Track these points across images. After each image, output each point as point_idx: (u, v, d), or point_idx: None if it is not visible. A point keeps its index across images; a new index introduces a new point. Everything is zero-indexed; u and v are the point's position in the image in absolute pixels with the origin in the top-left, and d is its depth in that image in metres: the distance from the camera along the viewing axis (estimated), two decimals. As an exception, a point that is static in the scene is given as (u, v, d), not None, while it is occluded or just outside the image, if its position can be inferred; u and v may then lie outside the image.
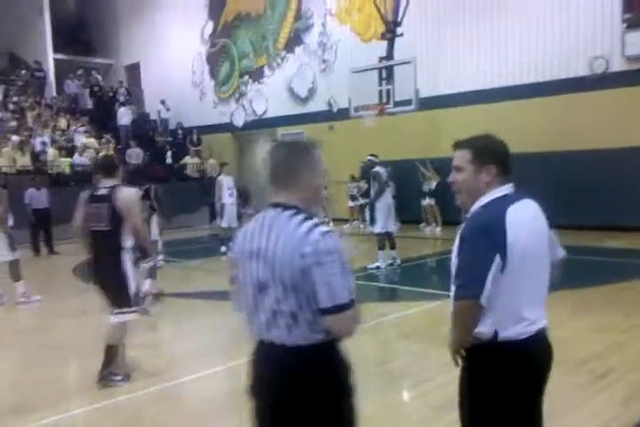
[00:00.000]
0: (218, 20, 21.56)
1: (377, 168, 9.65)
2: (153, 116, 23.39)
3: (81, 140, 18.97)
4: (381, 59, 13.11)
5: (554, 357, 2.32)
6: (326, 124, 17.89)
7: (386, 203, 9.52)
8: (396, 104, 12.49)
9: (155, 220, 8.43)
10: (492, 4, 14.44)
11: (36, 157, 17.21)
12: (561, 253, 2.43)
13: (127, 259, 4.70)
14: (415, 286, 8.08)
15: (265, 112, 20.35)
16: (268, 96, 20.13)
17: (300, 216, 2.04)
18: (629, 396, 4.12)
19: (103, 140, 19.49)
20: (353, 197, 16.10)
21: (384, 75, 12.68)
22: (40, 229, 13.20)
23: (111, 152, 18.44)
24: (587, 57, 12.94)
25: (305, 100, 19.04)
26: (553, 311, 2.35)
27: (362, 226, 15.63)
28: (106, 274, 4.69)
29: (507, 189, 2.27)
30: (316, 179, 2.18)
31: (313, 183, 2.17)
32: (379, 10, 13.13)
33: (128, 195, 4.75)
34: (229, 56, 21.41)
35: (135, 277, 4.75)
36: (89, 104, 23.29)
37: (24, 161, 16.53)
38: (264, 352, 2.13)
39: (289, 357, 2.04)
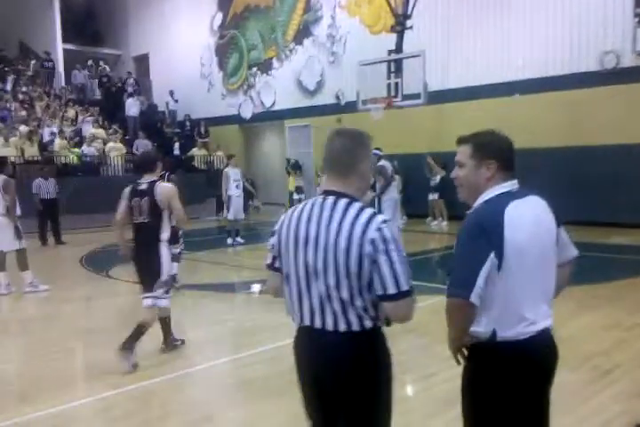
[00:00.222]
0: (227, 11, 21.51)
1: (382, 162, 9.59)
2: (161, 108, 23.40)
3: (89, 130, 19.00)
4: (390, 52, 13.07)
5: (559, 354, 2.28)
6: (334, 116, 17.85)
7: (392, 197, 9.49)
8: (405, 98, 12.45)
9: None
10: (502, -3, 14.33)
11: (44, 147, 17.26)
12: (573, 251, 2.35)
13: (164, 250, 5.09)
14: (420, 281, 8.06)
15: (273, 104, 20.33)
16: (277, 88, 20.10)
17: (357, 205, 2.09)
18: (634, 392, 4.12)
19: (111, 130, 19.51)
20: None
21: (393, 68, 12.64)
22: (47, 219, 13.25)
23: (150, 147, 18.48)
24: (597, 52, 12.85)
25: (313, 93, 19.00)
26: (558, 308, 2.32)
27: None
28: (145, 262, 5.10)
29: (510, 185, 2.22)
30: (369, 170, 2.22)
31: (366, 174, 2.21)
32: (388, 2, 13.05)
33: (167, 189, 5.12)
34: (238, 48, 21.36)
35: (169, 267, 5.19)
36: (97, 95, 23.35)
37: (33, 151, 16.58)
38: (313, 338, 2.17)
39: (340, 342, 2.10)
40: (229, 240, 12.25)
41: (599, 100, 12.55)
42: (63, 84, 22.89)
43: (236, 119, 21.47)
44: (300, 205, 2.22)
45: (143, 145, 19.14)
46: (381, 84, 12.72)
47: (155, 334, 6.06)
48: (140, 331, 5.02)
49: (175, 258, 7.20)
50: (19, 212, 8.12)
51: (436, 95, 13.56)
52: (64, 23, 23.86)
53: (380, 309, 2.10)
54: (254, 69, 20.92)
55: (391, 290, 2.02)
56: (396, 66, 12.59)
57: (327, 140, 2.22)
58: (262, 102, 20.69)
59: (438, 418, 3.79)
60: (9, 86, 20.65)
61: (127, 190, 5.21)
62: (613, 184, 12.14)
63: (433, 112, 14.59)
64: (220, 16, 21.82)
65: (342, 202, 2.10)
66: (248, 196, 15.83)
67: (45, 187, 13.07)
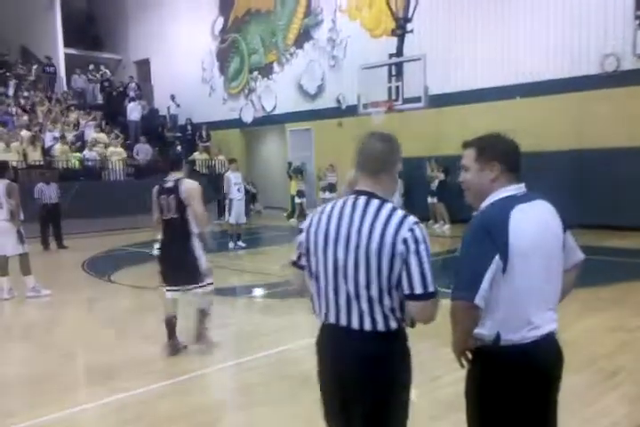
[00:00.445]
0: (228, 15, 21.56)
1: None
2: (162, 112, 23.44)
3: (91, 134, 19.04)
4: (391, 55, 13.09)
5: (564, 358, 2.27)
6: (335, 120, 17.87)
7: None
8: (406, 101, 12.46)
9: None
10: (502, 1, 14.36)
11: (46, 151, 17.28)
12: (579, 255, 2.35)
13: (197, 243, 5.41)
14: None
15: (274, 108, 20.36)
16: (277, 92, 20.12)
17: (389, 205, 2.15)
18: (639, 395, 4.11)
19: (112, 135, 19.55)
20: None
21: (394, 71, 12.66)
22: (49, 224, 13.26)
23: (150, 152, 18.58)
24: (598, 55, 12.86)
25: (314, 97, 19.03)
26: (562, 310, 2.32)
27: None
28: (179, 257, 5.35)
29: (515, 189, 2.22)
30: (397, 172, 2.29)
31: (397, 177, 2.29)
32: (389, 6, 13.09)
33: (190, 187, 5.35)
34: (239, 52, 21.41)
35: (204, 258, 5.47)
36: (99, 99, 23.40)
37: (36, 156, 16.60)
38: (338, 336, 2.21)
39: (364, 341, 2.14)
40: (231, 244, 12.25)
41: (600, 103, 12.55)
42: (65, 88, 22.93)
43: (237, 123, 21.50)
44: (331, 204, 2.27)
45: (144, 150, 19.18)
46: (382, 88, 12.73)
47: (156, 339, 6.06)
48: (203, 317, 5.55)
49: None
50: (22, 216, 8.13)
51: (437, 99, 13.57)
52: (65, 28, 23.91)
53: (405, 309, 2.14)
54: (255, 73, 20.96)
55: (418, 290, 2.06)
56: (396, 69, 12.62)
57: (362, 142, 2.27)
58: (263, 106, 20.72)
59: (443, 421, 3.78)
60: (11, 91, 20.70)
61: (155, 189, 5.45)
62: (615, 187, 12.14)
63: (434, 116, 14.61)
64: (221, 20, 21.88)
65: (375, 202, 2.15)
66: (250, 199, 15.84)
67: (47, 191, 13.09)
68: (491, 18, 14.59)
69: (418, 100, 12.11)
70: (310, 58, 19.01)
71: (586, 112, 12.73)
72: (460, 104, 14.82)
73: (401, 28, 12.94)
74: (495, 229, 2.07)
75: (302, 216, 17.92)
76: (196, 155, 20.13)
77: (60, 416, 4.10)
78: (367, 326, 2.13)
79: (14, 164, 15.16)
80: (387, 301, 2.11)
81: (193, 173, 18.95)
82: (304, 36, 19.16)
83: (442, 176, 14.44)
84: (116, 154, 18.27)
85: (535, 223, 2.14)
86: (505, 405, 2.14)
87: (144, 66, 25.36)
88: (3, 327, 7.08)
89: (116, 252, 12.90)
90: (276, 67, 20.23)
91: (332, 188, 17.55)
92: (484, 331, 2.13)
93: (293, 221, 17.69)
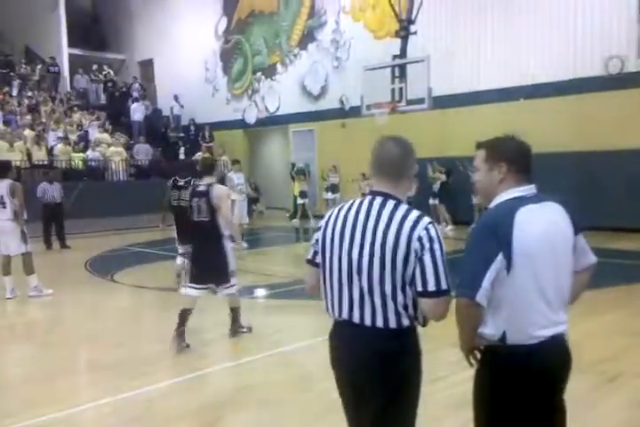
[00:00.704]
0: (231, 16, 21.58)
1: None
2: (166, 112, 23.47)
3: (94, 135, 19.08)
4: (395, 57, 13.06)
5: (571, 361, 2.27)
6: (338, 121, 17.88)
7: None
8: (409, 102, 12.44)
9: None
10: (506, 3, 14.36)
11: (50, 151, 17.32)
12: (591, 258, 2.37)
13: (227, 244, 5.67)
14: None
15: (277, 109, 20.37)
16: (281, 93, 20.13)
17: (405, 206, 2.21)
18: (641, 399, 4.10)
19: (116, 135, 19.59)
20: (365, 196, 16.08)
21: (397, 73, 12.63)
22: (52, 223, 13.28)
23: (150, 152, 18.70)
24: (602, 57, 12.85)
25: (317, 98, 19.04)
26: (565, 312, 2.33)
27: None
28: (209, 258, 5.57)
29: (524, 190, 2.24)
30: (413, 175, 2.34)
31: (412, 179, 2.33)
32: (393, 7, 13.07)
33: (220, 191, 5.66)
34: (242, 53, 21.43)
35: (233, 259, 5.73)
36: (102, 99, 23.44)
37: (40, 155, 16.62)
38: (350, 331, 2.25)
39: (375, 338, 2.18)
40: (231, 245, 12.23)
41: (604, 105, 12.54)
42: (68, 88, 22.98)
43: (240, 124, 21.52)
44: (348, 203, 2.32)
45: (144, 150, 19.18)
46: (385, 89, 12.71)
47: (158, 339, 6.07)
48: (235, 315, 5.87)
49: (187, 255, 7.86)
50: (25, 216, 8.14)
51: (441, 100, 13.58)
52: (70, 28, 23.96)
53: (418, 307, 2.18)
54: (259, 74, 20.97)
55: (431, 287, 2.10)
56: (400, 71, 12.60)
57: (378, 145, 2.32)
58: (266, 107, 20.73)
59: (444, 422, 3.78)
60: (15, 91, 20.75)
61: (189, 192, 5.83)
62: (619, 189, 12.11)
63: (437, 117, 14.61)
64: (224, 21, 21.90)
65: (391, 202, 2.21)
66: (252, 200, 15.84)
67: (50, 191, 13.10)
68: (494, 20, 14.58)
69: (421, 101, 12.11)
70: (314, 59, 19.02)
71: (590, 114, 12.71)
72: (464, 106, 14.81)
73: (404, 29, 12.92)
74: (499, 228, 2.10)
75: (305, 217, 17.93)
76: (199, 155, 20.11)
77: (60, 416, 4.10)
78: (379, 322, 2.17)
79: (17, 163, 15.20)
80: (400, 297, 2.15)
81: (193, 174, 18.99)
82: (308, 38, 19.17)
83: (443, 178, 14.44)
84: (117, 154, 18.30)
85: (542, 224, 2.15)
86: (510, 404, 2.16)
87: (147, 66, 25.39)
88: (5, 327, 7.08)
89: (119, 251, 12.92)
90: (279, 68, 20.25)
91: (334, 188, 17.57)
92: (491, 330, 2.15)
93: (296, 221, 17.69)
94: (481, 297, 2.06)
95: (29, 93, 20.81)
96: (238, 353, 5.68)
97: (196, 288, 5.61)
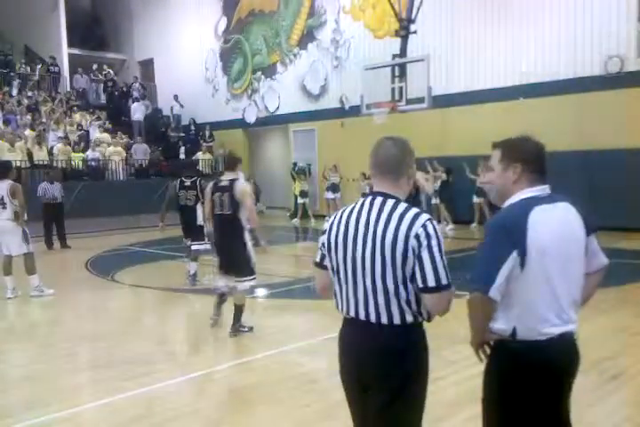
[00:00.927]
0: (231, 16, 21.58)
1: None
2: (166, 112, 23.48)
3: (95, 134, 19.09)
4: (394, 56, 13.06)
5: (580, 359, 2.31)
6: (338, 121, 17.88)
7: None
8: (409, 102, 12.44)
9: (200, 207, 8.77)
10: (506, 2, 14.36)
11: (50, 151, 17.32)
12: (603, 260, 2.41)
13: (248, 238, 5.83)
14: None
15: (277, 108, 20.36)
16: (281, 93, 20.13)
17: (404, 204, 2.27)
18: (641, 398, 4.10)
19: (118, 135, 19.62)
20: (365, 196, 16.06)
21: (397, 72, 12.63)
22: (53, 223, 13.28)
23: (148, 151, 18.79)
24: (601, 56, 12.85)
25: (317, 97, 19.04)
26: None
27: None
28: (232, 250, 5.79)
29: (538, 190, 2.28)
30: (414, 175, 2.40)
31: (411, 178, 2.38)
32: (393, 7, 13.07)
33: (243, 187, 5.84)
34: (242, 52, 21.42)
35: (253, 253, 5.88)
36: (102, 99, 23.44)
37: (42, 155, 16.62)
38: (357, 329, 2.31)
39: (381, 335, 2.24)
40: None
41: (604, 104, 12.54)
42: (68, 88, 22.98)
43: (240, 123, 21.52)
44: (351, 205, 2.38)
45: (142, 149, 19.17)
46: (385, 89, 12.70)
47: (158, 339, 6.09)
48: (239, 313, 5.91)
49: (195, 254, 8.61)
50: (25, 216, 8.15)
51: (441, 99, 13.57)
52: (69, 28, 23.97)
53: (421, 303, 2.22)
54: (258, 74, 20.97)
55: (431, 283, 2.15)
56: (400, 70, 12.59)
57: (377, 146, 2.37)
58: (266, 107, 20.73)
59: (445, 421, 3.78)
60: (15, 91, 20.75)
61: (209, 186, 5.96)
62: (618, 188, 12.11)
63: (437, 116, 14.61)
64: (224, 21, 21.90)
65: (390, 201, 2.27)
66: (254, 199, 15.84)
67: (51, 191, 13.10)
68: (494, 19, 14.58)
69: (421, 100, 12.10)
70: (314, 58, 19.02)
71: (589, 113, 12.71)
72: (464, 105, 14.81)
73: (404, 28, 12.91)
74: (514, 227, 2.15)
75: (305, 216, 17.94)
76: (200, 155, 20.14)
77: (61, 416, 4.10)
78: (384, 319, 2.22)
79: (18, 163, 15.21)
80: (402, 293, 2.20)
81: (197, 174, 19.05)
82: (307, 37, 19.17)
83: (444, 177, 14.44)
84: (117, 153, 18.31)
85: (555, 224, 2.20)
86: (519, 399, 2.21)
87: (148, 66, 25.40)
88: (6, 327, 7.10)
89: (119, 251, 12.93)
90: (279, 67, 20.24)
91: (335, 188, 17.57)
92: (502, 325, 2.20)
93: (296, 221, 17.70)
94: (494, 292, 2.11)
95: (29, 93, 20.81)
96: (239, 353, 5.68)
97: (222, 276, 5.98)
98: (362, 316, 2.27)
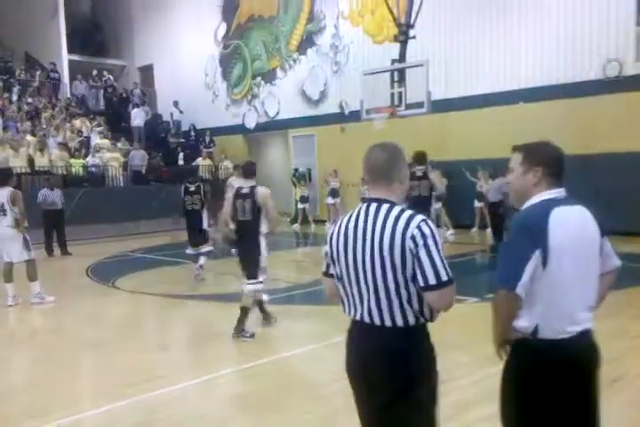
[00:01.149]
0: (231, 21, 21.64)
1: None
2: (166, 118, 23.51)
3: (95, 140, 19.11)
4: (394, 61, 13.10)
5: (600, 355, 2.35)
6: (338, 126, 17.91)
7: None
8: (408, 107, 12.46)
9: (205, 212, 9.21)
10: (504, 6, 14.40)
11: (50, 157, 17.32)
12: (616, 262, 2.48)
13: (263, 241, 6.16)
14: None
15: (277, 114, 20.40)
16: (280, 98, 20.17)
17: (398, 207, 2.33)
18: (643, 402, 4.10)
19: (120, 143, 19.66)
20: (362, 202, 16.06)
21: (396, 77, 12.66)
22: (53, 230, 13.29)
23: (146, 158, 18.85)
24: (600, 60, 12.88)
25: (317, 103, 19.07)
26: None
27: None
28: (248, 253, 6.12)
29: (556, 192, 2.35)
30: (406, 178, 2.45)
31: (405, 181, 2.44)
32: (391, 12, 13.11)
33: (264, 192, 6.12)
34: (242, 58, 21.48)
35: (267, 257, 6.24)
36: (101, 105, 23.48)
37: (42, 162, 16.65)
38: (363, 332, 2.37)
39: (386, 337, 2.30)
40: (233, 250, 12.24)
41: (602, 108, 12.56)
42: (68, 95, 23.02)
43: (240, 129, 21.54)
44: (349, 213, 2.45)
45: (139, 156, 19.18)
46: (385, 94, 12.73)
47: (159, 345, 6.09)
48: (244, 315, 6.01)
49: (205, 254, 9.19)
50: (26, 223, 8.15)
51: (440, 104, 13.59)
52: (69, 34, 24.04)
53: (423, 302, 2.28)
54: (258, 79, 21.01)
55: (432, 281, 2.20)
56: (399, 75, 12.62)
57: (367, 154, 2.44)
58: (266, 112, 20.76)
59: (453, 422, 3.77)
60: (15, 97, 20.79)
61: (231, 193, 6.31)
62: (617, 193, 12.10)
63: (437, 121, 14.63)
64: (223, 26, 21.95)
65: (385, 206, 2.33)
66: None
67: (50, 197, 13.10)
68: (493, 23, 14.62)
69: (420, 105, 12.12)
70: (313, 64, 19.06)
71: (588, 117, 12.73)
72: (463, 109, 14.84)
73: (403, 33, 12.94)
74: (535, 226, 2.22)
75: (306, 222, 17.95)
76: (200, 160, 20.15)
77: (63, 423, 4.11)
78: (388, 322, 2.28)
79: (19, 170, 15.24)
80: (404, 294, 2.26)
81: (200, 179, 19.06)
82: (307, 42, 19.21)
83: (444, 181, 14.43)
84: (114, 159, 18.33)
85: (574, 225, 2.28)
86: (540, 397, 2.23)
87: (147, 72, 25.45)
88: (7, 334, 7.10)
89: (120, 257, 12.93)
90: (278, 72, 20.29)
91: (334, 193, 17.58)
92: (524, 323, 2.24)
93: (296, 226, 17.70)
94: (520, 289, 2.16)
95: (29, 100, 20.86)
96: (239, 359, 5.68)
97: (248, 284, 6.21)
98: (367, 319, 2.33)
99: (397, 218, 2.26)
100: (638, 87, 12.23)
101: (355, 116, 14.84)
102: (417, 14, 12.92)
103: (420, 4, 12.84)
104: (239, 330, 6.03)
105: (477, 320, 6.30)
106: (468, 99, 14.90)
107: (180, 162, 20.71)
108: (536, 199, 2.34)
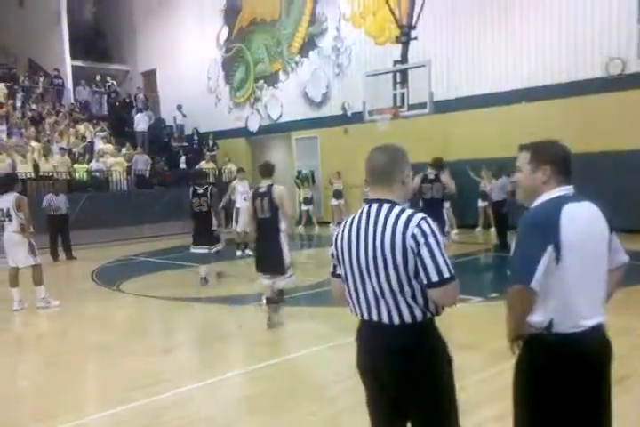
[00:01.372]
0: (233, 25, 21.69)
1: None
2: (169, 122, 23.56)
3: (99, 146, 19.16)
4: (396, 62, 13.10)
5: (612, 350, 2.37)
6: (341, 128, 17.91)
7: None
8: (411, 107, 12.46)
9: (214, 213, 9.35)
10: (506, 6, 14.39)
11: (54, 163, 17.38)
12: (624, 257, 2.51)
13: (284, 238, 6.36)
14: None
15: (280, 116, 20.42)
16: (283, 101, 20.20)
17: (399, 207, 2.37)
18: (650, 400, 4.07)
19: (124, 148, 19.71)
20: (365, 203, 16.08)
21: (398, 78, 12.66)
22: (58, 235, 13.32)
23: (149, 162, 18.90)
24: (603, 58, 12.85)
25: (319, 105, 19.09)
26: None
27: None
28: (269, 250, 6.31)
29: (565, 190, 2.37)
30: (409, 179, 2.49)
31: (406, 182, 2.47)
32: (393, 13, 13.12)
33: (280, 190, 6.36)
34: (244, 61, 21.52)
35: (289, 252, 6.41)
36: (105, 110, 23.56)
37: (47, 167, 16.70)
38: (371, 330, 2.40)
39: (394, 334, 2.33)
40: (238, 252, 12.28)
41: (605, 107, 12.53)
42: (72, 100, 23.11)
43: (243, 132, 21.58)
44: (352, 215, 2.49)
45: (142, 160, 19.23)
46: (387, 95, 12.73)
47: (164, 349, 6.08)
48: (278, 300, 6.44)
49: (217, 254, 9.53)
50: (31, 229, 8.17)
51: (443, 104, 13.58)
52: (72, 41, 24.14)
53: (428, 298, 2.30)
54: (261, 82, 21.05)
55: (435, 278, 2.24)
56: (401, 76, 12.62)
57: (368, 157, 2.48)
58: (269, 115, 20.79)
59: (464, 421, 3.74)
60: (19, 103, 20.88)
61: (251, 193, 6.56)
62: (621, 191, 12.06)
63: (440, 121, 14.61)
64: (225, 30, 22.00)
65: (385, 206, 2.37)
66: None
67: (55, 202, 13.14)
68: (494, 23, 14.61)
69: (423, 106, 12.12)
70: (315, 66, 19.08)
71: (592, 115, 12.69)
72: (466, 110, 14.82)
73: (405, 35, 12.96)
74: (547, 223, 2.24)
75: (310, 223, 17.95)
76: (203, 164, 20.16)
77: (69, 427, 4.11)
78: (395, 319, 2.32)
79: (24, 175, 15.29)
80: (407, 291, 2.29)
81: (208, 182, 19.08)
82: (309, 45, 19.24)
83: (453, 181, 14.40)
84: (118, 164, 18.38)
85: (584, 221, 2.30)
86: (554, 391, 2.25)
87: (150, 76, 25.52)
88: (13, 338, 7.11)
89: (124, 261, 12.95)
90: (281, 75, 20.31)
91: (338, 195, 17.59)
92: (539, 318, 2.26)
93: (300, 228, 17.71)
94: (535, 284, 2.18)
95: (33, 106, 20.94)
96: (245, 361, 5.68)
97: (264, 277, 6.49)
98: (374, 317, 2.36)
99: (397, 217, 2.30)
100: (641, 85, 12.20)
101: (357, 117, 14.85)
102: (418, 15, 12.93)
103: (422, 5, 12.86)
104: (276, 301, 6.51)
105: (482, 319, 6.31)
106: (470, 99, 14.89)
107: (182, 166, 20.74)
108: (546, 197, 2.36)
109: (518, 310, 2.27)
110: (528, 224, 2.30)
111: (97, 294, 9.26)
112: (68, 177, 16.92)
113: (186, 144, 22.15)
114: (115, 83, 24.41)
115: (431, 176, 8.84)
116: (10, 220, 7.96)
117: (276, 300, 6.57)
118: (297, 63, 19.70)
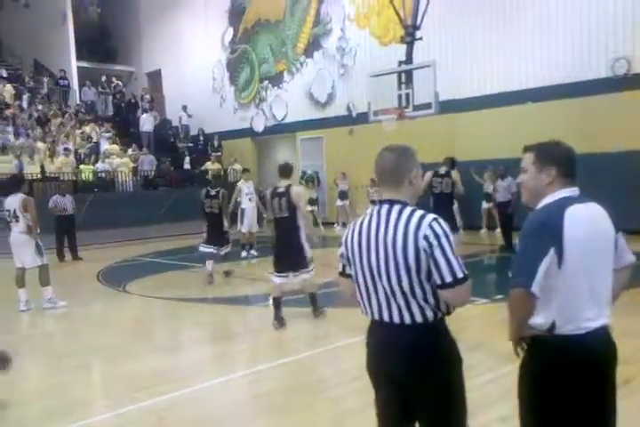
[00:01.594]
0: (238, 26, 21.72)
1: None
2: (174, 123, 23.62)
3: (104, 146, 19.22)
4: (401, 62, 13.09)
5: (617, 352, 2.35)
6: (346, 128, 17.92)
7: None
8: (416, 108, 12.44)
9: (224, 215, 9.64)
10: (510, 6, 14.37)
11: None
12: (630, 257, 2.49)
13: (303, 236, 6.51)
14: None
15: (285, 117, 20.44)
16: (288, 101, 20.21)
17: (409, 208, 2.37)
18: (655, 402, 4.07)
19: (131, 149, 19.76)
20: (374, 203, 16.09)
21: (403, 79, 12.65)
22: (64, 235, 13.37)
23: (155, 163, 18.96)
24: (608, 58, 12.82)
25: (324, 105, 19.09)
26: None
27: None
28: (288, 247, 6.44)
29: (570, 191, 2.37)
30: (418, 178, 2.47)
31: (416, 182, 2.46)
32: (398, 14, 13.11)
33: (298, 190, 6.65)
34: (249, 62, 21.55)
35: (308, 248, 6.53)
36: (110, 111, 23.63)
37: (53, 168, 16.76)
38: (382, 330, 2.41)
39: (405, 334, 2.33)
40: (243, 253, 12.30)
41: (611, 107, 12.49)
42: (78, 101, 23.18)
43: (248, 132, 21.61)
44: (362, 216, 2.49)
45: (148, 161, 19.29)
46: (392, 95, 12.71)
47: (171, 349, 6.10)
48: (315, 299, 6.69)
49: (225, 256, 9.82)
50: (38, 230, 8.20)
51: (448, 105, 13.58)
52: (78, 41, 24.23)
53: (440, 298, 2.31)
54: (265, 83, 21.07)
55: (448, 279, 2.24)
56: (406, 77, 12.60)
57: (377, 158, 2.49)
58: (274, 115, 20.81)
59: (470, 422, 3.75)
60: (25, 104, 20.96)
61: (268, 193, 6.69)
62: (627, 191, 12.02)
63: (445, 122, 14.61)
64: (230, 31, 22.04)
65: (396, 207, 2.37)
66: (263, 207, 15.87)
67: (62, 203, 13.19)
68: (499, 23, 14.59)
69: (428, 106, 12.11)
70: (320, 66, 19.09)
71: (596, 116, 12.66)
72: (471, 110, 14.81)
73: (410, 35, 12.93)
74: (551, 225, 2.23)
75: (315, 224, 17.94)
76: (208, 164, 20.21)
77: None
78: (407, 319, 2.32)
79: (31, 176, 15.35)
80: (419, 292, 2.29)
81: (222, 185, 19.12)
82: (313, 45, 19.25)
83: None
84: (124, 165, 18.43)
85: (589, 222, 2.28)
86: (558, 394, 2.24)
87: (156, 77, 25.58)
88: (19, 339, 7.14)
89: (130, 262, 12.99)
90: (286, 76, 20.33)
91: (343, 195, 17.59)
92: (541, 320, 2.25)
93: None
94: (535, 288, 2.16)
95: (39, 107, 21.01)
96: (252, 361, 5.69)
97: (277, 276, 6.51)
98: (385, 317, 2.37)
99: (409, 219, 2.29)
100: (647, 85, 12.16)
101: (362, 118, 14.86)
102: (423, 15, 12.90)
103: (427, 5, 12.83)
104: (316, 310, 6.71)
105: (487, 321, 6.31)
106: (475, 99, 14.87)
107: (186, 166, 20.77)
108: (550, 198, 2.35)
109: (518, 313, 2.26)
110: (530, 227, 2.29)
111: (103, 295, 9.29)
112: (74, 178, 16.98)
113: (191, 145, 22.20)
114: (120, 83, 24.48)
115: (442, 171, 9.10)
116: (17, 220, 8.00)
117: (314, 303, 6.75)
118: (302, 64, 19.72)
